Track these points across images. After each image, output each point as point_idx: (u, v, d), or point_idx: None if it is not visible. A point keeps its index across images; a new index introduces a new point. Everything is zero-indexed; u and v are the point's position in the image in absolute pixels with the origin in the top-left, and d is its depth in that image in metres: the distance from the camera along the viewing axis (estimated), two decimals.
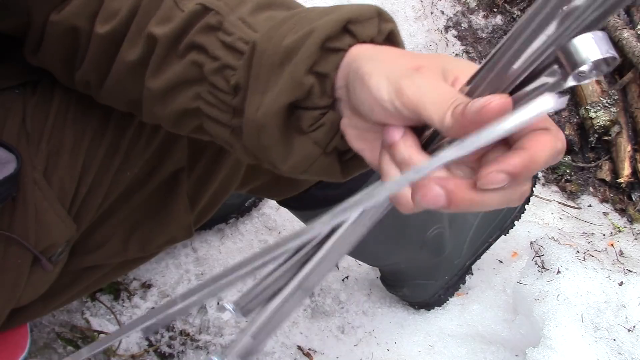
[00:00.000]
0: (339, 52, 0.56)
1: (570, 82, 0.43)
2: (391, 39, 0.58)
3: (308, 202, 1.06)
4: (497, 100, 0.43)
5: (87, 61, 0.73)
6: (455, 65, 0.52)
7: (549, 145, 0.46)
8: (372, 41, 0.57)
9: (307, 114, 0.58)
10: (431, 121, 0.48)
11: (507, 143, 0.48)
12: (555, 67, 0.43)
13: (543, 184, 1.63)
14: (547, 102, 0.38)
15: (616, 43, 1.65)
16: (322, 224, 0.51)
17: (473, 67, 0.50)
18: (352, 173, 0.64)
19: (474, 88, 0.48)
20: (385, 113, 0.51)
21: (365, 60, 0.53)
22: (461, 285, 1.41)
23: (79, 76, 0.75)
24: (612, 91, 1.61)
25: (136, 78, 0.69)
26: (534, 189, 1.37)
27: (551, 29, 0.43)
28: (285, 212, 1.48)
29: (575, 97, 1.67)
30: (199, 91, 0.64)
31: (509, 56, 0.45)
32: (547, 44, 0.43)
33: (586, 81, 0.43)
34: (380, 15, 0.58)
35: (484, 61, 0.48)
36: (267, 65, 0.58)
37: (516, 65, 0.45)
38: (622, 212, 1.57)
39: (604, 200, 1.59)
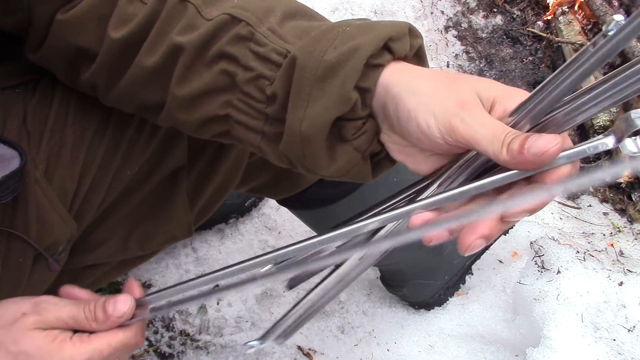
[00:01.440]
0: (378, 68, 0.60)
1: (624, 150, 0.50)
2: (418, 53, 0.63)
3: (307, 201, 1.07)
4: (556, 146, 0.51)
5: (97, 64, 0.73)
6: (488, 89, 0.57)
7: (568, 175, 0.54)
8: (405, 56, 0.62)
9: (350, 124, 0.62)
10: (487, 154, 0.54)
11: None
12: (611, 134, 0.51)
13: None
14: (608, 142, 0.50)
15: None
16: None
17: (504, 89, 0.57)
18: (380, 174, 0.68)
19: (518, 120, 0.55)
20: (434, 145, 0.57)
21: (407, 93, 0.58)
22: (461, 285, 1.41)
23: (85, 78, 0.75)
24: None
25: (153, 84, 0.71)
26: None
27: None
28: (285, 212, 1.48)
29: None
30: (229, 99, 0.66)
31: (555, 95, 0.53)
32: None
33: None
34: (411, 32, 0.62)
35: (530, 94, 0.55)
36: (309, 80, 0.61)
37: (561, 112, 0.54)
38: (622, 212, 1.57)
39: (604, 200, 1.59)
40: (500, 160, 0.54)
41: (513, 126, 0.55)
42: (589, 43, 0.51)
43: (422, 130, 0.57)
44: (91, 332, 0.69)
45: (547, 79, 0.54)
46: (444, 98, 0.57)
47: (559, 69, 0.53)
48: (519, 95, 0.57)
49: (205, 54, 0.66)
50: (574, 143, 1.73)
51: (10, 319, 0.66)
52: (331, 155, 0.64)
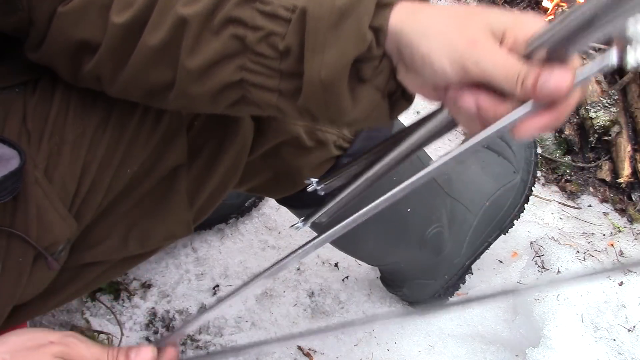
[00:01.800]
0: (388, 7, 0.61)
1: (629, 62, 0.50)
2: None
3: (307, 200, 1.06)
4: (567, 81, 0.54)
5: (101, 53, 0.73)
6: (498, 21, 0.59)
7: (573, 103, 0.57)
8: None
9: (368, 64, 0.63)
10: (503, 90, 0.57)
11: None
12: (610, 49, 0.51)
13: (543, 184, 1.63)
14: (611, 58, 0.50)
15: None
16: None
17: (514, 19, 0.58)
18: (398, 114, 0.69)
19: (534, 49, 0.57)
20: (451, 83, 0.60)
21: (419, 38, 0.60)
22: (461, 285, 1.41)
23: (88, 70, 0.75)
24: (612, 91, 1.61)
25: (160, 63, 0.71)
26: (533, 188, 1.37)
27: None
28: (285, 212, 1.48)
29: None
30: (242, 63, 0.67)
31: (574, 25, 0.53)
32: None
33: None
34: None
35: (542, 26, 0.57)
36: (323, 28, 0.62)
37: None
38: (622, 212, 1.57)
39: (604, 200, 1.59)
40: (515, 96, 0.56)
41: (530, 54, 0.57)
42: None
43: (439, 73, 0.59)
44: None
45: (569, 11, 0.55)
46: (455, 39, 0.58)
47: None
48: (530, 22, 0.58)
49: (212, 22, 0.67)
50: (574, 142, 1.72)
51: (37, 344, 0.68)
52: (354, 98, 0.65)
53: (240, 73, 0.68)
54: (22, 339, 0.69)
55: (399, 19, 0.61)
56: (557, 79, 0.54)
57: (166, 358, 0.74)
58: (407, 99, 0.68)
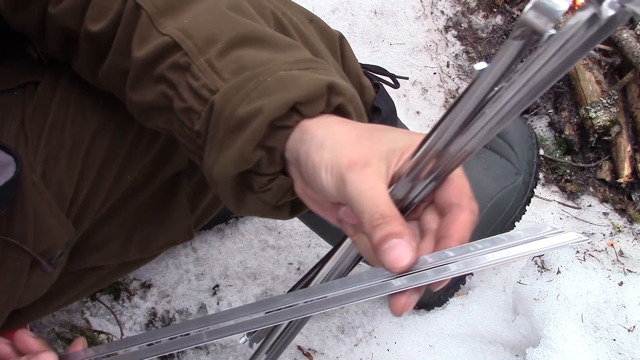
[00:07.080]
0: (287, 128, 0.59)
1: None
2: (341, 109, 0.62)
3: None
4: (401, 267, 0.51)
5: (80, 56, 0.75)
6: (395, 141, 0.57)
7: (469, 223, 0.53)
8: (322, 112, 0.60)
9: (257, 178, 0.62)
10: (359, 219, 0.54)
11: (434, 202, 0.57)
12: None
13: (543, 184, 1.63)
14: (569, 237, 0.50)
15: (615, 43, 1.65)
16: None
17: (412, 138, 0.56)
18: (300, 212, 0.68)
19: (418, 160, 0.55)
20: (337, 201, 0.57)
21: (315, 148, 0.57)
22: (461, 285, 1.41)
23: (75, 67, 0.77)
24: (612, 91, 1.61)
25: (118, 83, 0.72)
26: (534, 190, 1.37)
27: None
28: None
29: (575, 97, 1.67)
30: (171, 118, 0.67)
31: (448, 136, 0.52)
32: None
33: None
34: (331, 90, 0.60)
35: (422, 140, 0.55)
36: (222, 128, 0.61)
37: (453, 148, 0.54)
38: (622, 212, 1.57)
39: (604, 200, 1.59)
40: (366, 231, 0.53)
41: (415, 165, 0.55)
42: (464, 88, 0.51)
43: (323, 186, 0.56)
44: None
45: (439, 118, 0.54)
46: (342, 155, 0.55)
47: (448, 109, 0.53)
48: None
49: (152, 72, 0.67)
50: (574, 142, 1.71)
51: None
52: (240, 201, 0.64)
53: (170, 125, 0.68)
54: None
55: (307, 129, 0.59)
56: (396, 256, 0.51)
57: None
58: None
